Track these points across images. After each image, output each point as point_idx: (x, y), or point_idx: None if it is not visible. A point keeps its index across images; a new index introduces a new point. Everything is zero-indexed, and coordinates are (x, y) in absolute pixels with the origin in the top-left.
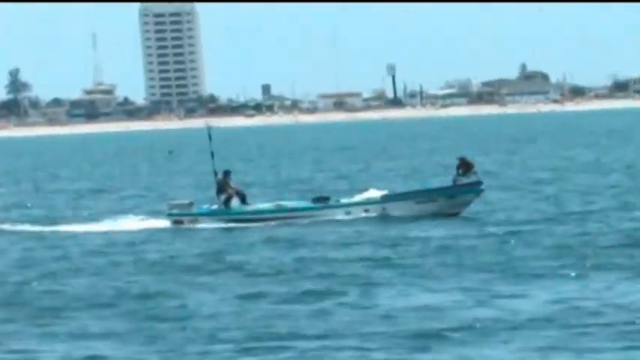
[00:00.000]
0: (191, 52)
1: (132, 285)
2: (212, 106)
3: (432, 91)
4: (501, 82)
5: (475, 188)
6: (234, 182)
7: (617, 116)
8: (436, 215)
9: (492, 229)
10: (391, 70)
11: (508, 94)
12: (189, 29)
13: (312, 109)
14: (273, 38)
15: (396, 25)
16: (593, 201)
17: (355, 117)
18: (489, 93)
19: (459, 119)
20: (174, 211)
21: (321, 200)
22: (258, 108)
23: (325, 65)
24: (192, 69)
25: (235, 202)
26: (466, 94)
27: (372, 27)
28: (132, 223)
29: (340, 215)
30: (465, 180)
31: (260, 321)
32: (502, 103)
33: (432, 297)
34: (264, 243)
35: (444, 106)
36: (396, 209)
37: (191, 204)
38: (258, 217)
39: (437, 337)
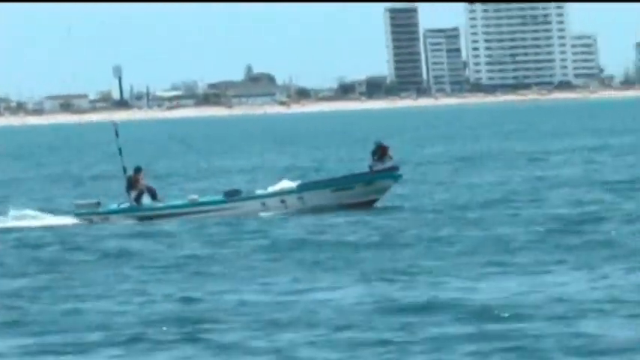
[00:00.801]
0: None
1: None
2: None
3: (159, 93)
4: (228, 84)
5: (393, 174)
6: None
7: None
8: (354, 203)
9: None
10: (117, 71)
11: (235, 96)
12: None
13: (39, 111)
14: None
15: (123, 27)
16: None
17: (82, 118)
18: (216, 95)
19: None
20: (83, 210)
21: (233, 193)
22: None
23: (52, 66)
24: None
25: (146, 199)
26: (193, 95)
27: (100, 29)
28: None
29: (256, 207)
30: (381, 166)
31: None
32: (229, 105)
33: None
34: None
35: (171, 107)
36: (313, 198)
37: (98, 203)
38: (171, 212)
39: None
